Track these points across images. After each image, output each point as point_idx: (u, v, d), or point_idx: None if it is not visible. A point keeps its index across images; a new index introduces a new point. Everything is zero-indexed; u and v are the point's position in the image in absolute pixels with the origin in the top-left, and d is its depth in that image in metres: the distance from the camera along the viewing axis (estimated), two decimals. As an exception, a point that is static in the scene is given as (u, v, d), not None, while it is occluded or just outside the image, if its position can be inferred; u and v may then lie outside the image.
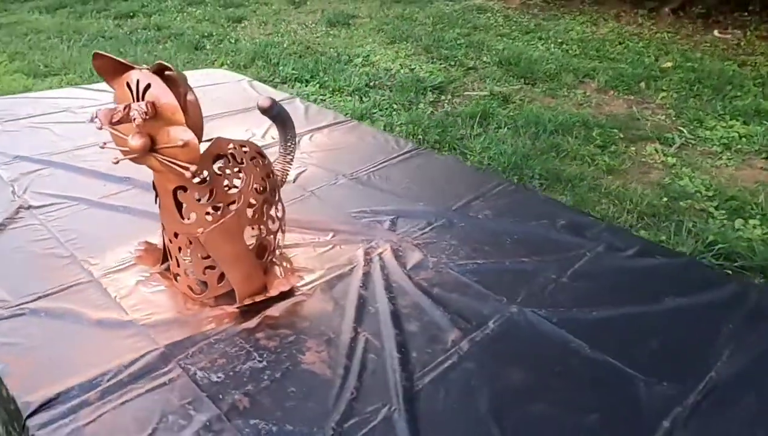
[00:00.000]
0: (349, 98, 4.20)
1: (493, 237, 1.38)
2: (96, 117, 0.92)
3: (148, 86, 0.95)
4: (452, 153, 3.54)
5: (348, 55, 4.91)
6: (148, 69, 0.96)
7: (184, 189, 1.03)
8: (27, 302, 1.12)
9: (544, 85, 4.52)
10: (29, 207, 1.40)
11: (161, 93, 0.94)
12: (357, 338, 1.08)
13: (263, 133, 1.84)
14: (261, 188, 1.15)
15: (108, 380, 0.96)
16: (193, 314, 1.12)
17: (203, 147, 1.07)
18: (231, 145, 1.12)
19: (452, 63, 4.83)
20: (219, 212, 1.07)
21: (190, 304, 1.15)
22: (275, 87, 4.40)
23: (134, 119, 0.91)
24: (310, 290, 1.19)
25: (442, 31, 5.45)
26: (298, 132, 1.86)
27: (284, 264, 1.24)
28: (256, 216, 1.14)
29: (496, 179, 1.62)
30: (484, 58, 4.92)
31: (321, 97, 4.20)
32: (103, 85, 2.16)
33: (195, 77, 2.33)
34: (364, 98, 4.22)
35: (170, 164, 0.98)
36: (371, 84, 4.44)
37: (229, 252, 1.10)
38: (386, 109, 4.06)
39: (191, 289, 1.14)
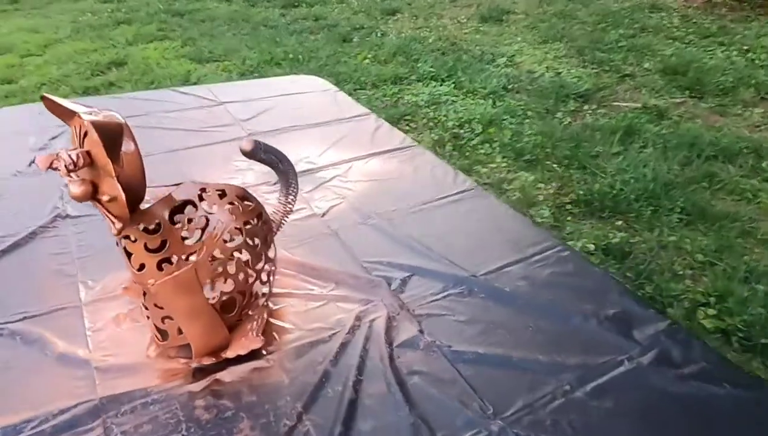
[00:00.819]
0: (482, 101, 3.95)
1: (514, 318, 1.13)
2: (34, 162, 0.87)
3: (86, 133, 0.88)
4: (581, 172, 3.16)
5: (492, 54, 4.62)
6: (84, 116, 0.88)
7: (132, 238, 0.96)
8: (11, 322, 1.13)
9: (714, 101, 3.86)
10: (66, 216, 1.44)
11: (95, 142, 0.86)
12: (296, 429, 0.93)
13: (321, 152, 1.73)
14: (232, 238, 1.04)
15: (31, 429, 0.93)
16: (149, 363, 1.06)
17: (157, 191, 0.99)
18: (206, 191, 1.02)
19: (606, 68, 4.32)
20: (174, 264, 0.98)
21: (154, 349, 1.08)
22: (409, 85, 4.29)
23: (58, 170, 0.85)
24: (277, 356, 1.06)
25: (603, 31, 4.90)
26: (360, 155, 1.72)
27: (263, 317, 1.12)
28: (222, 269, 1.03)
29: (549, 240, 1.34)
30: (646, 65, 4.33)
31: (452, 98, 4.00)
32: (203, 90, 2.21)
33: (283, 85, 2.30)
34: (497, 102, 3.94)
35: (106, 215, 0.90)
36: (509, 87, 4.13)
37: (185, 306, 1.01)
38: (518, 115, 3.75)
39: (156, 335, 1.08)
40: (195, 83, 4.04)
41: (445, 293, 1.19)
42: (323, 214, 1.44)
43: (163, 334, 1.06)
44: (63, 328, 1.12)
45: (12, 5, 6.50)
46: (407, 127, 3.65)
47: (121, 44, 5.10)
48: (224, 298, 1.05)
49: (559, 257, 1.28)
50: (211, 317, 1.04)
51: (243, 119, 1.91)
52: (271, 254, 1.14)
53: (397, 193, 1.53)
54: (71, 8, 6.25)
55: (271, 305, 1.16)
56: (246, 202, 1.07)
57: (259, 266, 1.10)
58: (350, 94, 4.15)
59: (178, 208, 0.99)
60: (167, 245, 0.97)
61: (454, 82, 4.24)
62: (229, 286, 1.06)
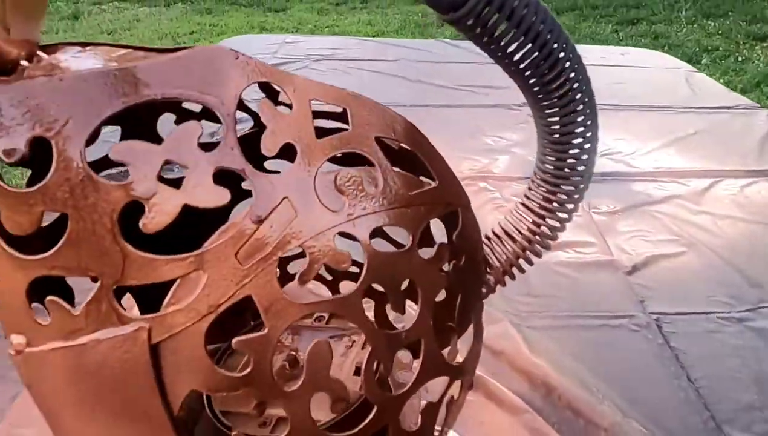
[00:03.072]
0: None
1: None
2: None
3: None
4: None
5: None
6: None
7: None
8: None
9: None
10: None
11: None
12: None
13: (647, 149, 0.84)
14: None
15: None
16: None
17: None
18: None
19: None
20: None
21: None
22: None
23: None
24: None
25: None
26: (729, 168, 0.79)
27: None
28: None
29: None
30: None
31: None
32: (466, 43, 1.50)
33: (605, 54, 1.44)
34: None
35: None
36: None
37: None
38: None
39: None
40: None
41: None
42: (631, 271, 0.58)
43: None
44: None
45: (362, 4, 6.84)
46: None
47: (438, 41, 4.79)
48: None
49: None
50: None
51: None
52: (461, 350, 0.35)
53: None
54: (407, 9, 6.27)
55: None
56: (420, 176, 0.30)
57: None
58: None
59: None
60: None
61: None
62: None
